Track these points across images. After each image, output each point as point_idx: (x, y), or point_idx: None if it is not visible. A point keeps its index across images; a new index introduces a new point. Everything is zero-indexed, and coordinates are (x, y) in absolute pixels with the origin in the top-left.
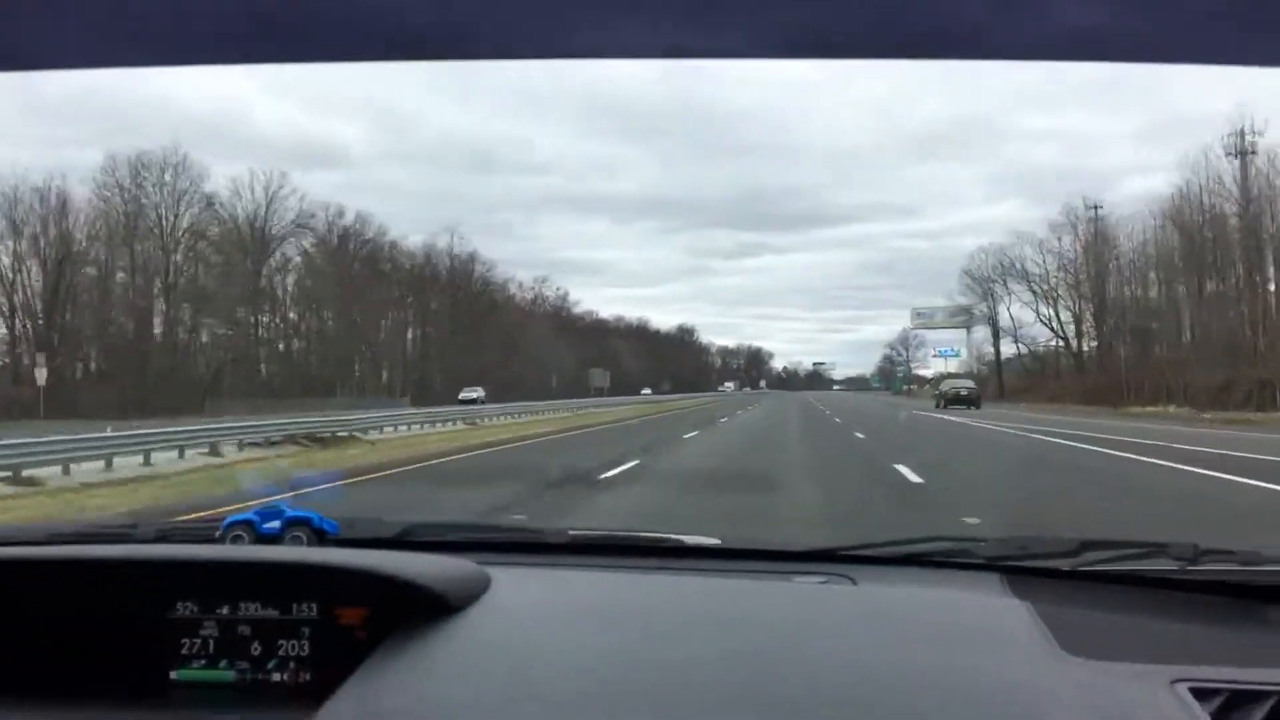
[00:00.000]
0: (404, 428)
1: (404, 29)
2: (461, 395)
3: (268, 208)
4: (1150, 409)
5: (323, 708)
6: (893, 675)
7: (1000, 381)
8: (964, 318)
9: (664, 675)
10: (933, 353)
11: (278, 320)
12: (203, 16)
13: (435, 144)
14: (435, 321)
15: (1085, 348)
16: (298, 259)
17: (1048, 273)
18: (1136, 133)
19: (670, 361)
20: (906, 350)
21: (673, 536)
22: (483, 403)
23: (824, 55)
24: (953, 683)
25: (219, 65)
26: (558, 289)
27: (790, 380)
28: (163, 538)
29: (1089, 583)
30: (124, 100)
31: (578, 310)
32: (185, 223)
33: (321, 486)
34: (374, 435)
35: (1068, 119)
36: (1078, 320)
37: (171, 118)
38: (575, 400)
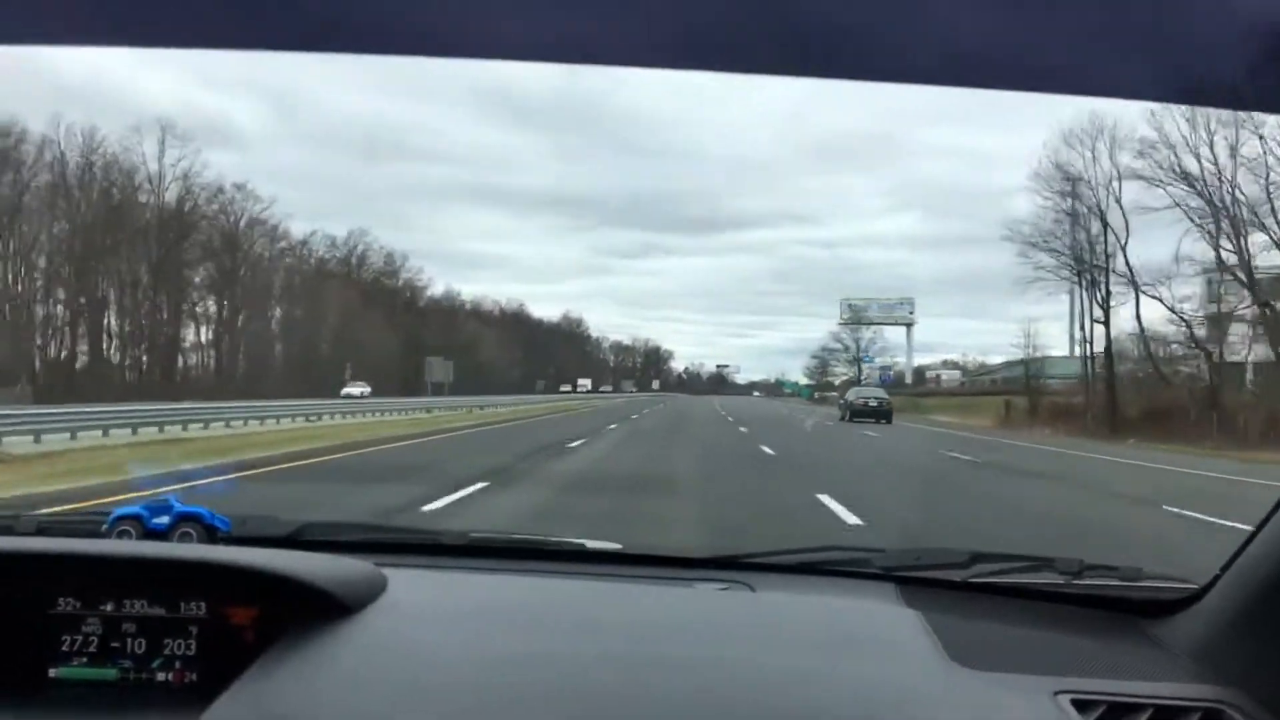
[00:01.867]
0: None
1: (294, 18)
2: None
3: None
4: None
5: (209, 709)
6: (787, 681)
7: (1112, 395)
8: (905, 310)
9: (562, 679)
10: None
11: None
12: None
13: (332, 127)
14: (130, 269)
15: None
16: None
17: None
18: (1032, 152)
19: (551, 355)
20: (857, 347)
21: (573, 541)
22: None
23: (722, 68)
24: (844, 689)
25: (101, 46)
26: (381, 247)
27: (692, 383)
28: (45, 530)
29: (979, 594)
30: None
31: (419, 284)
32: None
33: None
34: None
35: (968, 136)
36: None
37: (42, 87)
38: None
